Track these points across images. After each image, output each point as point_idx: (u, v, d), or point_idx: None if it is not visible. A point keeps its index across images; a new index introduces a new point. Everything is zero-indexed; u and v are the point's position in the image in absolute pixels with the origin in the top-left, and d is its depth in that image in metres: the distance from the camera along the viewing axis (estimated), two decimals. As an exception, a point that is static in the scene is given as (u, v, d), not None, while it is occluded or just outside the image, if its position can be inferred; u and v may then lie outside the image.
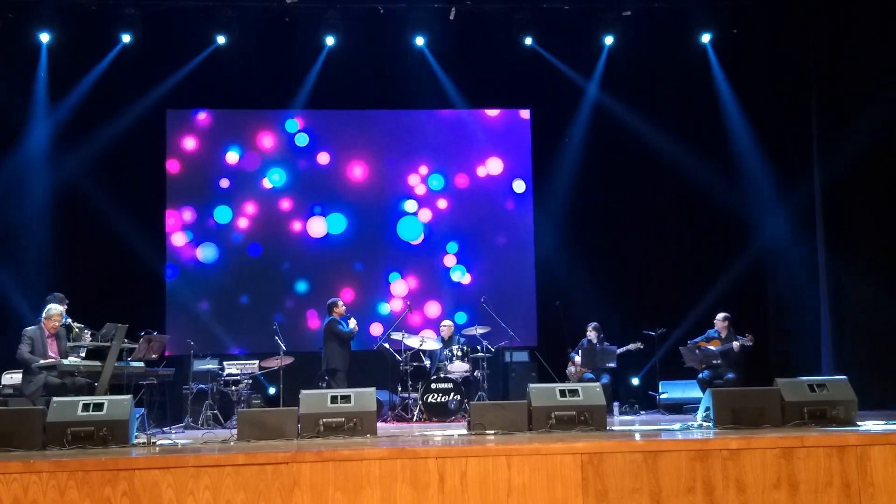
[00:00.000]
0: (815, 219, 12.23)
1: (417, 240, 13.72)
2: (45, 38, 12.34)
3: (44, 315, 9.11)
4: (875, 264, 11.51)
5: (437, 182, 13.83)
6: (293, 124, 13.69)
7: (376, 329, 13.12)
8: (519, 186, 13.88)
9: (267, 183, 13.57)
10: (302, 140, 13.68)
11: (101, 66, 12.73)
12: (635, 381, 12.77)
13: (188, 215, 13.41)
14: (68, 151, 12.74)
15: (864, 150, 11.50)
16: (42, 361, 8.84)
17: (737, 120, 13.20)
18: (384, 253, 13.65)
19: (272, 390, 11.85)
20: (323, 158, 13.68)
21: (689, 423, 8.10)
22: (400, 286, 13.57)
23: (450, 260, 13.73)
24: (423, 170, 13.84)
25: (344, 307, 11.74)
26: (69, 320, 9.36)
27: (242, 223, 13.49)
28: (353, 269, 13.56)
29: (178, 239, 13.37)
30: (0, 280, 11.97)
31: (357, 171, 13.72)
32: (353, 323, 11.62)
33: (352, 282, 13.52)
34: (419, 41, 13.03)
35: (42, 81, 12.55)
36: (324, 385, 11.33)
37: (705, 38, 13.06)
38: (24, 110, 12.58)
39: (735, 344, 11.11)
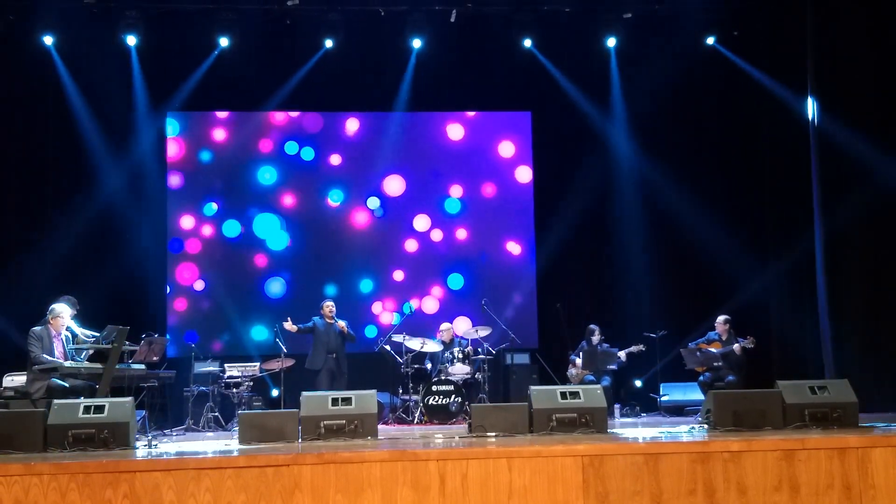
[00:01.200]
0: (814, 221, 12.21)
1: (417, 241, 13.73)
2: (48, 40, 12.36)
3: (50, 315, 9.11)
4: (875, 265, 11.50)
5: (438, 183, 13.84)
6: (295, 126, 13.70)
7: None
8: (520, 187, 13.89)
9: (267, 185, 13.57)
10: (303, 141, 13.68)
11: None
12: (638, 384, 12.76)
13: (189, 217, 13.40)
14: (69, 152, 12.78)
15: (867, 146, 11.51)
16: (44, 358, 8.82)
17: (739, 120, 13.19)
18: (385, 255, 13.64)
19: (275, 392, 11.81)
20: (323, 160, 13.69)
21: (692, 427, 8.09)
22: (407, 291, 13.59)
23: (450, 260, 13.73)
24: (424, 171, 13.83)
25: (329, 308, 11.64)
26: (63, 319, 9.33)
27: (244, 225, 13.49)
28: (354, 270, 13.57)
29: (180, 241, 13.36)
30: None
31: (358, 172, 13.72)
32: (340, 323, 11.54)
33: (350, 284, 13.54)
34: (418, 44, 13.02)
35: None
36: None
37: (710, 40, 13.10)
38: (33, 111, 12.61)
39: (736, 346, 11.10)
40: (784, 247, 12.90)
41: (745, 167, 13.34)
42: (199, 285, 13.34)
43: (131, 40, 12.52)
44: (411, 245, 13.72)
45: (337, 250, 13.60)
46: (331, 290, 13.30)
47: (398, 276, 13.64)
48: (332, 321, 11.57)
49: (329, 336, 11.51)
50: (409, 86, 13.42)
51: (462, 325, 12.93)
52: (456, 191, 13.84)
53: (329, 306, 11.67)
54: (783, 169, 12.86)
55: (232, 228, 13.49)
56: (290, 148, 13.66)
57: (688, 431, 7.55)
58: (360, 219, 13.68)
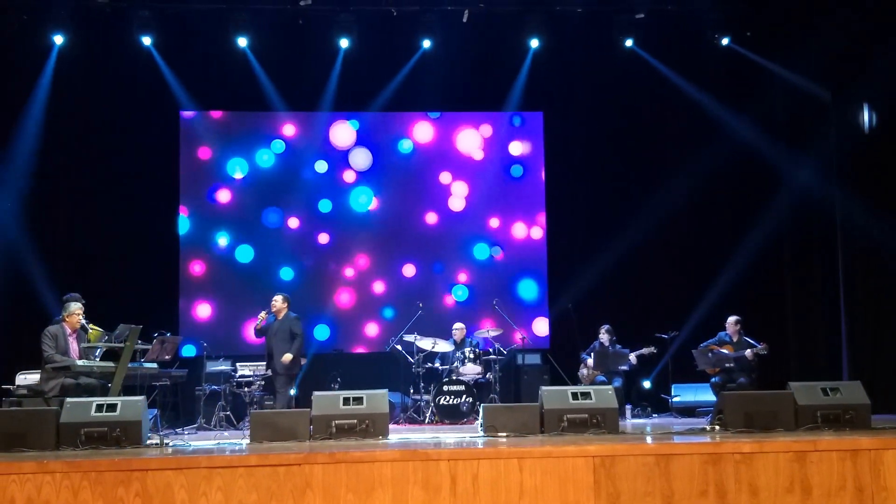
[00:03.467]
0: (833, 221, 12.17)
1: (431, 238, 13.74)
2: (59, 39, 12.40)
3: (65, 312, 9.15)
4: (892, 266, 11.47)
5: (449, 181, 13.82)
6: (307, 126, 13.72)
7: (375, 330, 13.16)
8: (531, 187, 13.88)
9: (275, 184, 13.59)
10: (313, 142, 13.71)
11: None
12: (647, 385, 12.72)
13: (201, 217, 13.43)
14: (81, 152, 12.83)
15: (878, 150, 11.47)
16: (57, 358, 8.84)
17: (750, 122, 13.13)
18: (398, 253, 13.65)
19: (293, 391, 11.72)
20: (331, 160, 13.70)
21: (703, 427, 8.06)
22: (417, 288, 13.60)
23: (462, 260, 13.74)
24: (435, 172, 13.83)
25: (273, 305, 10.95)
26: (85, 321, 9.40)
27: (254, 225, 13.50)
28: (362, 271, 13.60)
29: (192, 240, 13.40)
30: (14, 281, 12.06)
31: (364, 175, 13.75)
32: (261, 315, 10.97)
33: (356, 284, 13.59)
34: (428, 44, 13.02)
35: (47, 79, 12.54)
36: (336, 386, 11.38)
37: (724, 40, 13.06)
38: (45, 110, 12.68)
39: (748, 352, 11.03)
40: (800, 247, 12.87)
41: (759, 166, 13.26)
42: (211, 284, 13.38)
43: (146, 40, 12.56)
44: (421, 242, 13.73)
45: (347, 247, 13.62)
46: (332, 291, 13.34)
47: (409, 271, 13.64)
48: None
49: (268, 335, 10.98)
50: (420, 86, 13.40)
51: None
52: (467, 188, 13.82)
53: (272, 302, 11.02)
54: (800, 170, 12.79)
55: (233, 215, 13.52)
56: (301, 147, 13.69)
57: (699, 432, 7.53)
58: (368, 218, 13.70)
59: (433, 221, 13.76)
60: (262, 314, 10.86)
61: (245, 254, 13.46)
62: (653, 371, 12.57)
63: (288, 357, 10.50)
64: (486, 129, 13.95)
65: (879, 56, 11.48)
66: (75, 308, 9.19)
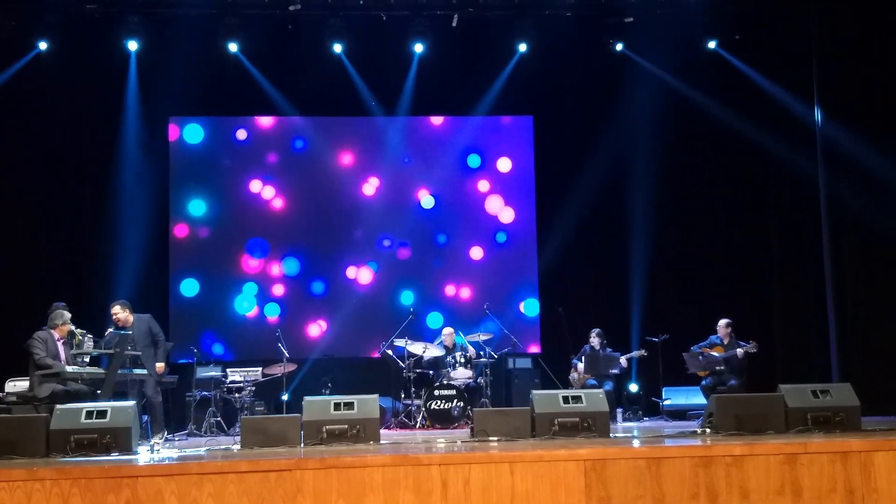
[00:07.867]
0: (820, 223, 12.21)
1: (419, 244, 13.75)
2: (43, 45, 12.36)
3: (59, 321, 9.09)
4: (879, 267, 11.50)
5: (442, 186, 13.83)
6: (296, 132, 13.70)
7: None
8: (522, 191, 13.88)
9: (269, 191, 13.58)
10: (304, 147, 13.70)
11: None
12: (634, 388, 12.71)
13: (191, 223, 13.41)
14: (70, 159, 12.79)
15: (871, 150, 11.51)
16: (49, 361, 8.81)
17: (743, 125, 13.16)
18: (389, 258, 13.65)
19: (285, 396, 11.69)
20: (326, 166, 13.69)
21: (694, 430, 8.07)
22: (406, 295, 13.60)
23: (451, 267, 13.74)
24: (428, 175, 13.82)
25: (116, 318, 9.92)
26: (72, 327, 9.37)
27: (246, 229, 13.50)
28: (355, 273, 13.59)
29: (183, 247, 13.37)
30: (2, 288, 12.03)
31: (361, 178, 13.74)
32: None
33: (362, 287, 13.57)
34: (420, 48, 13.01)
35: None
36: (327, 391, 11.34)
37: (711, 44, 13.11)
38: (36, 116, 12.65)
39: (739, 351, 11.09)
40: (789, 249, 12.90)
41: (749, 170, 13.31)
42: (202, 289, 13.35)
43: (132, 45, 12.52)
44: (412, 246, 13.74)
45: (332, 252, 13.61)
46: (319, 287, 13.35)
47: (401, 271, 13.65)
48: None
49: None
50: (411, 90, 13.41)
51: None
52: (458, 191, 13.83)
53: (113, 315, 9.94)
54: (788, 172, 12.84)
55: (226, 220, 13.52)
56: (292, 152, 13.69)
57: (690, 435, 7.54)
58: (353, 219, 13.71)
59: (424, 222, 13.76)
60: (111, 331, 9.81)
61: (235, 259, 13.46)
62: (645, 374, 12.56)
63: (161, 367, 9.97)
64: (476, 133, 13.95)
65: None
66: (67, 318, 9.17)
